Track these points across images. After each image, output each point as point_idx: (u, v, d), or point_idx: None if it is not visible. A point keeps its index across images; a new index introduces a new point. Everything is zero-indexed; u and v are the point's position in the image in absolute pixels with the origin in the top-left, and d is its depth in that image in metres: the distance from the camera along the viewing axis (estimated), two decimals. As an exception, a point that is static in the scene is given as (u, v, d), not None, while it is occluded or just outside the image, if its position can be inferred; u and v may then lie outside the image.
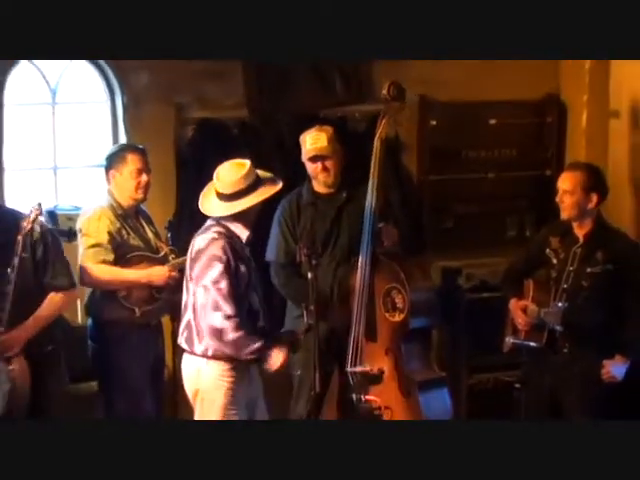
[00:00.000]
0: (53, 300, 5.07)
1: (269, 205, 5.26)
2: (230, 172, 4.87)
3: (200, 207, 4.96)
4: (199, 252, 4.86)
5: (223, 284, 4.80)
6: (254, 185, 4.88)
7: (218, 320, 4.78)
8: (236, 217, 4.90)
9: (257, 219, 5.03)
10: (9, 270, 4.82)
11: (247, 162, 4.91)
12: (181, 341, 4.99)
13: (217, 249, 4.83)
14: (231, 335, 4.78)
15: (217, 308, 4.79)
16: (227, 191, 4.86)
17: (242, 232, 4.94)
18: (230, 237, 4.89)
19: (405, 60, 6.29)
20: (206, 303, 4.82)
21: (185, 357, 5.01)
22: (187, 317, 4.95)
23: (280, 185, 4.99)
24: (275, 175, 5.06)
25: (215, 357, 4.87)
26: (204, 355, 4.88)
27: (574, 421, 5.19)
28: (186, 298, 4.97)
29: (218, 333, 4.81)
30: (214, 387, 4.91)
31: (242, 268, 4.89)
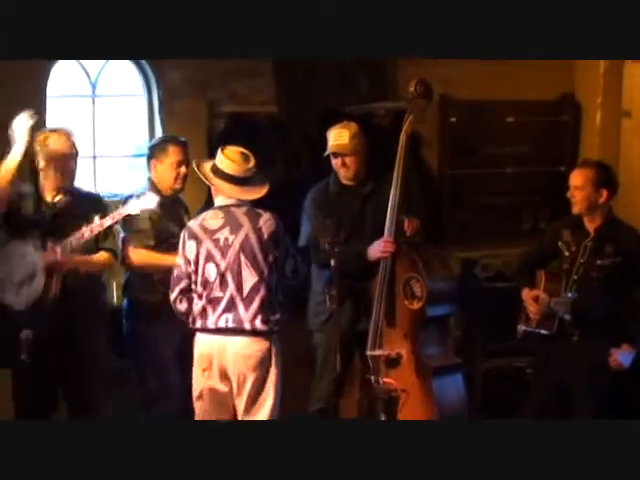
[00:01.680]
0: (103, 254, 5.28)
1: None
2: (242, 158, 4.99)
3: (216, 184, 5.04)
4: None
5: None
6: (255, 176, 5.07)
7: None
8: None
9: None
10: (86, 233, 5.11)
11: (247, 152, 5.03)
12: (254, 326, 4.91)
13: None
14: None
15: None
16: (241, 175, 4.97)
17: None
18: None
19: (426, 60, 6.32)
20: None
21: (251, 342, 4.94)
22: (258, 301, 4.92)
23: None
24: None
25: (282, 326, 4.99)
26: (278, 328, 4.96)
27: (580, 418, 5.20)
28: (252, 284, 4.93)
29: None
30: (280, 355, 4.99)
31: None
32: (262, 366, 4.94)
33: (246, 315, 4.92)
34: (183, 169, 5.48)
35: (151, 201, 5.15)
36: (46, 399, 5.26)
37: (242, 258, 4.94)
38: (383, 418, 5.26)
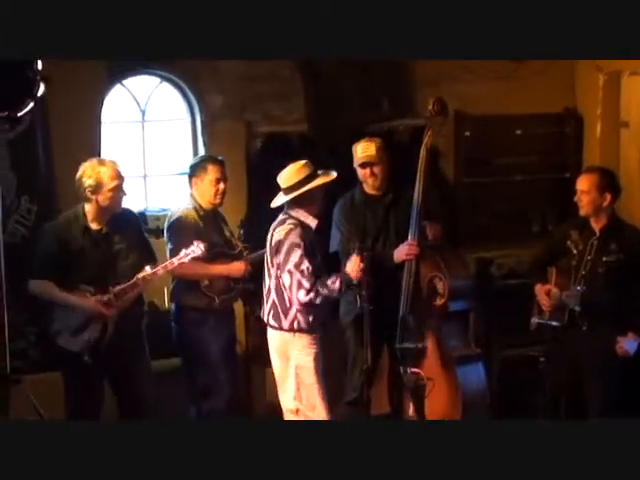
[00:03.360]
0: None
1: (330, 203, 5.42)
2: (288, 169, 5.08)
3: (272, 205, 5.16)
4: (279, 243, 5.00)
5: (304, 266, 4.95)
6: (309, 177, 5.05)
7: (303, 296, 4.93)
8: (304, 207, 5.05)
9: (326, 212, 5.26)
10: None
11: (302, 161, 5.08)
12: (269, 320, 5.13)
13: (295, 237, 4.99)
14: (318, 300, 4.95)
15: (300, 286, 4.93)
16: (286, 184, 5.04)
17: (312, 222, 5.10)
18: (302, 226, 5.04)
19: (442, 80, 6.41)
20: (291, 284, 4.96)
21: (273, 333, 5.14)
22: (271, 299, 5.10)
23: (333, 175, 5.12)
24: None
25: (301, 330, 5.03)
26: (291, 329, 5.04)
27: (590, 403, 5.20)
28: (269, 283, 5.11)
29: (307, 306, 4.98)
30: (305, 354, 5.06)
31: (315, 251, 5.08)
32: (280, 357, 5.13)
33: (265, 309, 5.16)
34: (222, 185, 5.51)
35: (198, 250, 5.15)
36: (97, 398, 5.24)
37: (267, 258, 5.14)
38: (411, 405, 5.26)
